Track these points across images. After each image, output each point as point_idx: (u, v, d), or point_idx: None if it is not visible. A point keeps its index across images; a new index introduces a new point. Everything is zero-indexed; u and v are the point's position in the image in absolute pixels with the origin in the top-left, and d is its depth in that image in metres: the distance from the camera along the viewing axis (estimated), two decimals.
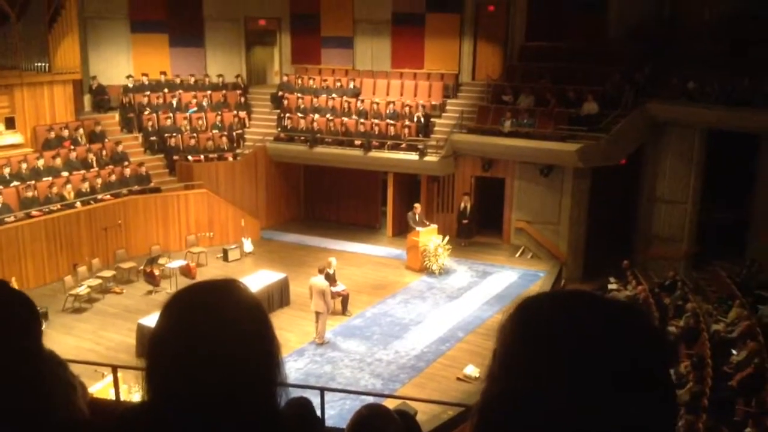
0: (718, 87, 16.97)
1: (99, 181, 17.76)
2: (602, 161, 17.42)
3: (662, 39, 19.04)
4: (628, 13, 19.57)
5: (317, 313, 13.73)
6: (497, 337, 1.01)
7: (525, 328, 0.97)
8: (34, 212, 16.27)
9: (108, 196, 17.71)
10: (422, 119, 19.89)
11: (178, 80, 21.82)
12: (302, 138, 20.37)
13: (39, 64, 17.91)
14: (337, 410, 11.00)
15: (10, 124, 17.82)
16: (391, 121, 20.03)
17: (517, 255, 19.11)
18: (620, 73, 18.55)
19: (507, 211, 19.68)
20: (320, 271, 14.01)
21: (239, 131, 21.33)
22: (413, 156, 19.10)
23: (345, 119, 20.51)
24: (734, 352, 12.36)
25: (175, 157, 19.78)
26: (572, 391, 0.90)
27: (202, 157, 19.90)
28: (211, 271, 17.35)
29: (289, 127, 20.87)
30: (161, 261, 16.84)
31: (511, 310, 1.01)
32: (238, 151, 20.70)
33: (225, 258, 18.16)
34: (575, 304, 0.98)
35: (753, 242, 17.43)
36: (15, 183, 16.62)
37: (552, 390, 0.90)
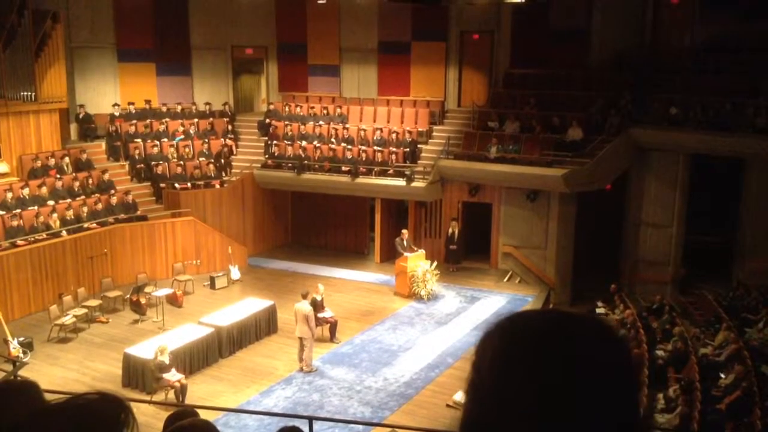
0: (700, 112, 17.19)
1: (85, 209, 17.67)
2: (587, 186, 17.55)
3: (644, 65, 19.33)
4: (610, 40, 19.86)
5: (301, 339, 13.64)
6: (471, 363, 1.00)
7: (493, 355, 0.96)
8: (19, 242, 16.15)
9: (94, 225, 17.62)
10: (410, 145, 20.01)
11: (164, 108, 21.85)
12: (290, 165, 20.40)
13: (25, 93, 17.89)
14: None
15: None
16: (378, 148, 20.13)
17: (505, 280, 19.13)
18: (603, 99, 18.79)
19: (494, 236, 19.76)
20: (303, 297, 13.95)
21: (226, 159, 21.34)
22: (401, 182, 19.18)
23: (332, 146, 20.59)
24: (722, 375, 12.36)
25: (162, 185, 19.73)
26: (540, 421, 0.89)
27: (189, 184, 19.85)
28: (198, 299, 17.27)
29: (276, 154, 20.90)
30: (148, 289, 16.70)
31: (481, 334, 1.00)
32: (225, 178, 20.69)
33: (212, 286, 18.06)
34: (544, 327, 0.97)
35: (739, 265, 17.55)
36: (0, 212, 16.51)
37: (522, 421, 0.90)
